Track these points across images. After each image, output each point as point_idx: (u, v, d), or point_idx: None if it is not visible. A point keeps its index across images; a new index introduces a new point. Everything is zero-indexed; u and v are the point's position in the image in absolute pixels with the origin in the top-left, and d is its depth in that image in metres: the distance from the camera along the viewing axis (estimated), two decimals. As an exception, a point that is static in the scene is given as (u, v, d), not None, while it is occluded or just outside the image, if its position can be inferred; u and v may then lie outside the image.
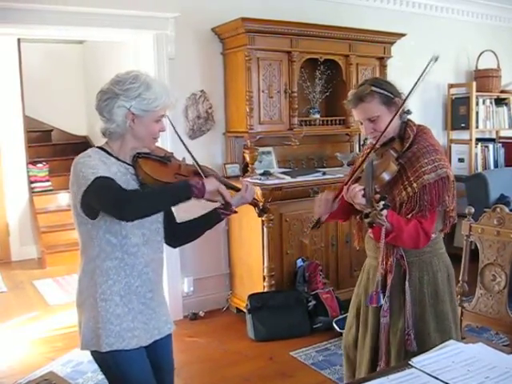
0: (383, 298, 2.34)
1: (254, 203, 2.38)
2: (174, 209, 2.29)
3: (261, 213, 2.41)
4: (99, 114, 2.10)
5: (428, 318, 2.34)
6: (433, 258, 2.37)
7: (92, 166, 1.98)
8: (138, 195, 2.00)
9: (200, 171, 2.17)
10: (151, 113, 2.07)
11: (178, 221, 2.39)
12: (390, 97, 2.33)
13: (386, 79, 2.40)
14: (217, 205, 2.29)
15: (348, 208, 2.36)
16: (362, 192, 2.12)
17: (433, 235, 2.34)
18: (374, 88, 2.31)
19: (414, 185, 2.24)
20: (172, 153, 2.27)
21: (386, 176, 2.22)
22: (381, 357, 2.40)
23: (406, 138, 2.34)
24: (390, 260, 2.36)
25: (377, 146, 2.36)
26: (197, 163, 2.19)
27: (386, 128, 2.28)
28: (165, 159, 2.19)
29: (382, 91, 2.32)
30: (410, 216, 2.25)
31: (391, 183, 2.30)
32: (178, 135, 2.25)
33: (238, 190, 2.32)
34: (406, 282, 2.33)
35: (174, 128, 2.27)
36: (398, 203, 2.29)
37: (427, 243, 2.29)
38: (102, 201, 1.97)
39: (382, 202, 2.00)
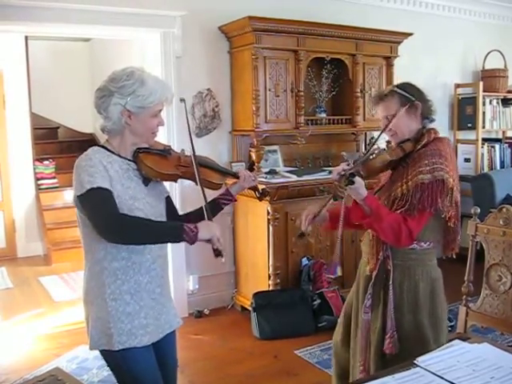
0: (340, 270, 2.42)
1: (254, 187, 2.43)
2: (178, 201, 2.30)
3: (261, 196, 2.49)
4: (97, 112, 2.11)
5: (406, 325, 2.33)
6: (417, 267, 2.35)
7: (91, 172, 1.97)
8: (127, 223, 1.96)
9: (197, 176, 2.16)
10: (147, 109, 2.07)
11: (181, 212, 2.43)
12: (411, 99, 2.36)
13: (416, 85, 2.46)
14: (216, 195, 2.34)
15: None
16: (339, 169, 2.22)
17: (424, 244, 2.34)
18: (395, 88, 2.40)
19: (410, 183, 2.25)
20: (170, 146, 2.29)
21: (376, 162, 2.30)
22: (361, 354, 2.41)
23: (420, 141, 2.37)
24: (379, 255, 2.37)
25: (390, 139, 2.45)
26: (194, 159, 2.19)
27: (391, 121, 2.33)
28: (165, 152, 2.21)
29: (402, 92, 2.38)
30: (398, 212, 2.25)
31: (393, 181, 2.35)
32: (188, 126, 2.28)
33: (237, 176, 2.38)
34: (390, 285, 2.33)
35: (189, 126, 2.30)
36: (392, 199, 2.30)
37: (410, 243, 2.27)
38: (89, 215, 1.98)
39: (350, 179, 2.10)
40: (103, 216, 1.94)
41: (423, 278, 2.34)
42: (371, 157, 2.33)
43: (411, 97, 2.37)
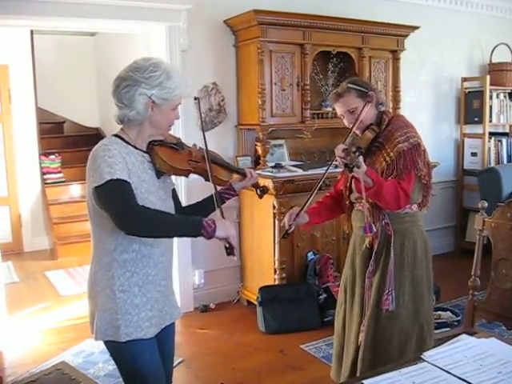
0: (375, 227, 2.59)
1: (255, 185, 2.49)
2: (184, 194, 2.30)
3: (261, 193, 2.54)
4: (117, 101, 2.07)
5: (404, 281, 2.62)
6: (413, 228, 2.67)
7: (110, 163, 1.94)
8: (147, 215, 1.94)
9: (209, 173, 2.20)
10: (170, 101, 2.07)
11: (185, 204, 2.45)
12: (364, 91, 2.66)
13: (362, 78, 2.71)
14: (220, 188, 2.34)
15: (334, 206, 2.90)
16: (343, 146, 2.50)
17: (413, 207, 2.68)
18: (350, 85, 2.68)
19: (391, 154, 2.56)
20: (180, 138, 2.30)
21: (363, 141, 2.60)
22: (365, 313, 2.66)
23: (383, 122, 2.69)
24: (377, 225, 2.63)
25: (355, 131, 2.68)
26: (206, 151, 2.23)
27: (360, 114, 2.61)
28: (178, 146, 2.22)
29: (356, 87, 2.67)
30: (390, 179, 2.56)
31: (372, 160, 2.62)
32: (202, 124, 2.33)
33: (243, 173, 2.43)
34: (392, 248, 2.61)
35: (202, 125, 2.33)
36: (379, 172, 2.58)
37: (407, 202, 2.58)
38: (108, 206, 1.95)
39: (359, 150, 2.38)
40: (123, 208, 1.91)
41: (419, 236, 2.68)
42: (357, 137, 2.65)
43: (365, 89, 2.67)
